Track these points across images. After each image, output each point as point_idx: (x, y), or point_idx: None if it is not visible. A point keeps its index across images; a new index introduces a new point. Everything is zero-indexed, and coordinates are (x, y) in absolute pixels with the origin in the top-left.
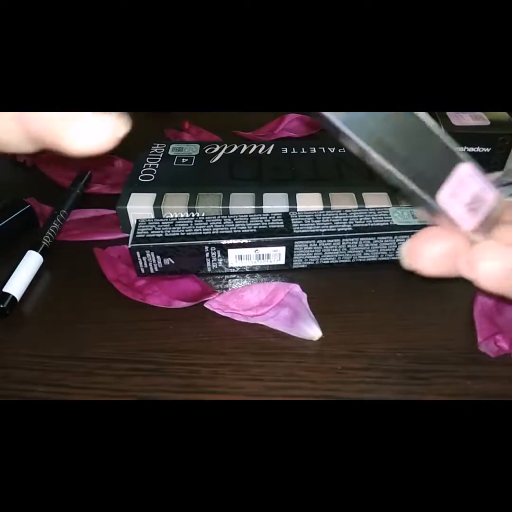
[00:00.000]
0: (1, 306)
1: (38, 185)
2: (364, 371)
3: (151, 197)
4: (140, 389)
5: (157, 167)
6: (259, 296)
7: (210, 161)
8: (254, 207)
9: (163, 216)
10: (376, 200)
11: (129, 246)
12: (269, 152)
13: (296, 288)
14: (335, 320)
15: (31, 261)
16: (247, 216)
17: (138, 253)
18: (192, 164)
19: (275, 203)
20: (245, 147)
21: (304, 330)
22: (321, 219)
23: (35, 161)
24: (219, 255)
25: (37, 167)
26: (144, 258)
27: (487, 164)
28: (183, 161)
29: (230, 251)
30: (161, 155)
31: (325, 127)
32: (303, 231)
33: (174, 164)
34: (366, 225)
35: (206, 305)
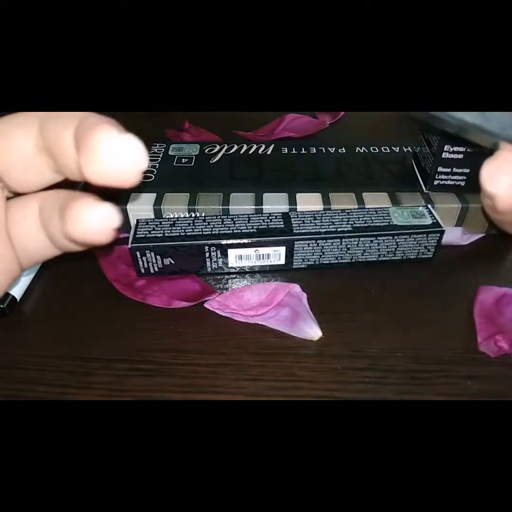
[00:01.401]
0: (1, 306)
1: None
2: (364, 371)
3: (151, 197)
4: (140, 389)
5: (157, 167)
6: (259, 296)
7: (210, 161)
8: (254, 207)
9: (163, 216)
10: (376, 200)
11: (129, 246)
12: (269, 152)
13: (296, 288)
14: (335, 320)
15: None
16: (247, 216)
17: (138, 253)
18: (192, 164)
19: (275, 203)
20: (245, 147)
21: (304, 330)
22: (321, 219)
23: None
24: (219, 255)
25: None
26: (144, 258)
27: None
28: (183, 161)
29: (230, 251)
30: (161, 155)
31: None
32: (303, 231)
33: (174, 164)
34: (366, 225)
35: (206, 305)
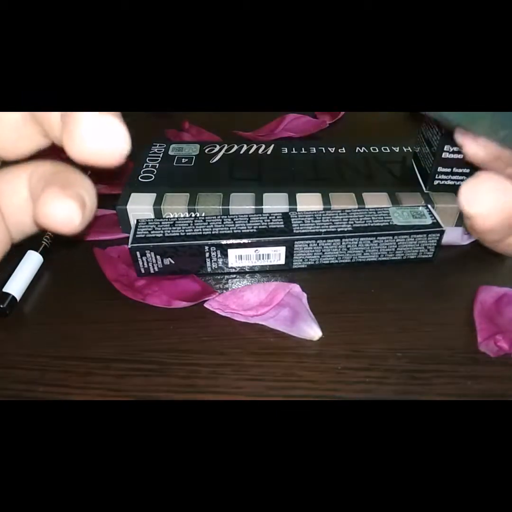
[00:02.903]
0: (1, 306)
1: None
2: (364, 371)
3: (151, 197)
4: (140, 389)
5: (157, 167)
6: (259, 296)
7: (210, 161)
8: (254, 207)
9: (163, 216)
10: (376, 200)
11: (129, 246)
12: (269, 152)
13: (296, 288)
14: (335, 320)
15: (31, 261)
16: (247, 216)
17: (138, 253)
18: (192, 164)
19: (275, 203)
20: (245, 147)
21: (304, 330)
22: (321, 219)
23: None
24: (219, 255)
25: None
26: (144, 258)
27: None
28: (183, 161)
29: (230, 251)
30: (161, 155)
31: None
32: (303, 231)
33: (174, 164)
34: (366, 225)
35: (206, 305)
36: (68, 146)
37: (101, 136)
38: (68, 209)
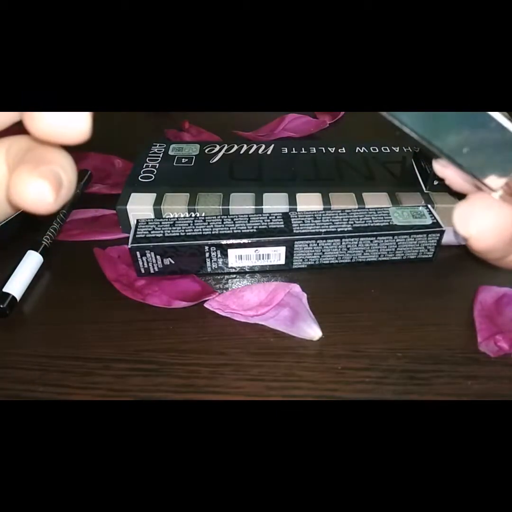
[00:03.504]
0: (1, 306)
1: None
2: (364, 371)
3: (151, 197)
4: (140, 389)
5: (157, 167)
6: (259, 296)
7: (210, 161)
8: (254, 207)
9: (163, 216)
10: (376, 200)
11: (129, 246)
12: (269, 152)
13: (296, 288)
14: (335, 320)
15: (31, 261)
16: (247, 216)
17: (138, 253)
18: (192, 164)
19: (275, 203)
20: (245, 147)
21: (304, 330)
22: (321, 219)
23: None
24: (219, 255)
25: None
26: (144, 258)
27: None
28: (183, 161)
29: (230, 251)
30: (161, 155)
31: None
32: (303, 231)
33: (174, 164)
34: (366, 225)
35: (206, 305)
36: (29, 126)
37: (59, 115)
38: (39, 188)
